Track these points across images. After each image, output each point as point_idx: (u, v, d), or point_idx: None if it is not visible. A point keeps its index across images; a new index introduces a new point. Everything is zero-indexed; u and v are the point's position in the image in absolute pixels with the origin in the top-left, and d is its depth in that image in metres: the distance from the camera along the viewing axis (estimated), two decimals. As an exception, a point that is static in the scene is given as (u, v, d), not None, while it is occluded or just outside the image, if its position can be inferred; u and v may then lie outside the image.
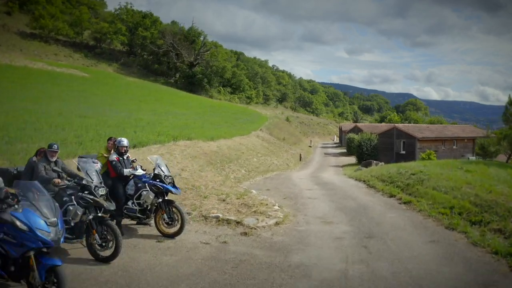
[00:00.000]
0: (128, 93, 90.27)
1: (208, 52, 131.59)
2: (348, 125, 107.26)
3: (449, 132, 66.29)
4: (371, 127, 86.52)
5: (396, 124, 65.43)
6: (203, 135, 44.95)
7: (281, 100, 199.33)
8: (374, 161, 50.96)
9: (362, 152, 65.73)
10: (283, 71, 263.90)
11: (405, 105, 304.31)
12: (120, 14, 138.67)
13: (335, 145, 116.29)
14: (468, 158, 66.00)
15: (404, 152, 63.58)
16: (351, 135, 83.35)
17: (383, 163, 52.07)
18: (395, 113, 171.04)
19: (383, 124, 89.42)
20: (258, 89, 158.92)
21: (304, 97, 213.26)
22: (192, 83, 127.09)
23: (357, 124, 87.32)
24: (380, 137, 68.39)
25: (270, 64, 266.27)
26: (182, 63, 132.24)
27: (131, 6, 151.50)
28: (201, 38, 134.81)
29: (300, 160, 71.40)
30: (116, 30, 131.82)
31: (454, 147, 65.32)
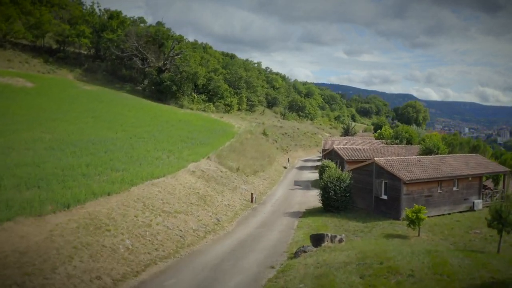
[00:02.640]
0: (71, 108, 75.65)
1: (179, 56, 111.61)
2: (330, 141, 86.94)
3: (449, 167, 46.08)
4: (351, 151, 66.13)
5: (376, 159, 45.14)
6: (120, 180, 37.01)
7: (272, 105, 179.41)
8: (329, 236, 31.13)
9: (329, 197, 45.73)
10: (277, 73, 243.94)
11: (404, 108, 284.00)
12: (84, 15, 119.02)
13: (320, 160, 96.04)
14: (473, 204, 45.99)
15: (385, 197, 43.67)
16: (325, 162, 63.26)
17: (343, 235, 32.51)
18: (386, 126, 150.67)
19: (366, 147, 68.92)
20: (242, 95, 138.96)
21: (296, 101, 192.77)
22: (160, 91, 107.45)
23: (336, 147, 66.38)
24: (355, 173, 48.38)
25: (264, 66, 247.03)
26: (151, 68, 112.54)
27: (98, 6, 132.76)
28: (173, 40, 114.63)
29: (252, 201, 51.69)
30: (78, 33, 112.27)
31: (455, 188, 45.20)
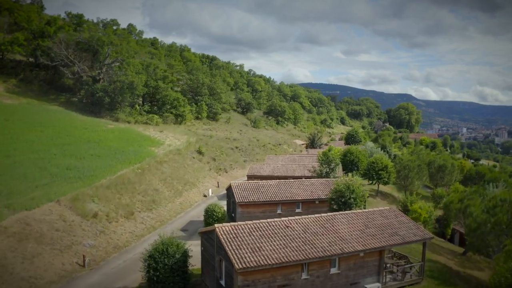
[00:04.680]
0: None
1: (116, 64, 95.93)
2: (259, 166, 70.46)
3: (329, 236, 29.80)
4: (250, 189, 49.14)
5: (217, 226, 28.86)
6: None
7: (246, 110, 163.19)
8: None
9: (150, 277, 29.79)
10: (260, 76, 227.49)
11: (397, 109, 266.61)
12: (20, 21, 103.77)
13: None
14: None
15: (224, 283, 27.82)
16: (212, 205, 46.92)
17: None
18: (362, 134, 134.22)
19: (274, 182, 52.30)
20: (201, 102, 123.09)
21: (275, 105, 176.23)
22: (94, 103, 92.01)
23: (233, 182, 49.77)
24: (204, 239, 32.34)
25: (247, 69, 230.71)
26: (88, 77, 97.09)
27: (40, 10, 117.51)
28: (108, 47, 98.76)
29: (85, 265, 36.20)
30: (12, 40, 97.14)
31: (334, 270, 29.12)
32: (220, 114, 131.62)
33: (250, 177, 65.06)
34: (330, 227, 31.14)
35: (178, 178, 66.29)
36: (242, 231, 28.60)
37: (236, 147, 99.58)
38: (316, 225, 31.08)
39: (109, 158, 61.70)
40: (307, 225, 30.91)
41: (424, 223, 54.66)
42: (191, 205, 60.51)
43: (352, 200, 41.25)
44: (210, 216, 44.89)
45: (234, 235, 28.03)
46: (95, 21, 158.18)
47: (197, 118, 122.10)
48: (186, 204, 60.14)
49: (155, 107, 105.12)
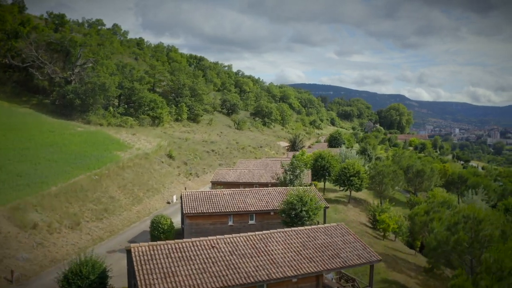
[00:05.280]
0: None
1: (89, 65, 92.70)
2: (224, 172, 67.28)
3: (259, 259, 26.86)
4: (201, 199, 45.95)
5: (133, 245, 25.81)
6: None
7: (231, 112, 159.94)
8: None
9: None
10: (249, 77, 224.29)
11: (387, 110, 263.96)
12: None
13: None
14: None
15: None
16: (157, 217, 43.75)
17: None
18: (347, 137, 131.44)
19: (228, 192, 49.12)
20: (181, 104, 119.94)
21: (262, 106, 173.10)
22: (65, 105, 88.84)
23: (184, 191, 46.18)
24: (128, 256, 29.24)
25: (239, 69, 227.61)
26: (60, 79, 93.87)
27: (21, 10, 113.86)
28: (80, 48, 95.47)
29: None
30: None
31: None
32: (201, 116, 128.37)
33: (214, 184, 62.00)
34: (263, 247, 28.07)
35: (140, 184, 63.16)
36: (159, 253, 25.56)
37: (213, 150, 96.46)
38: (247, 245, 27.99)
39: (67, 164, 58.60)
40: (237, 245, 27.83)
41: (395, 233, 51.59)
42: (150, 213, 57.29)
43: (304, 213, 38.14)
44: (156, 229, 41.78)
45: (149, 258, 25.02)
46: (80, 21, 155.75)
47: (177, 120, 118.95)
48: (145, 212, 56.97)
49: (132, 109, 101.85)
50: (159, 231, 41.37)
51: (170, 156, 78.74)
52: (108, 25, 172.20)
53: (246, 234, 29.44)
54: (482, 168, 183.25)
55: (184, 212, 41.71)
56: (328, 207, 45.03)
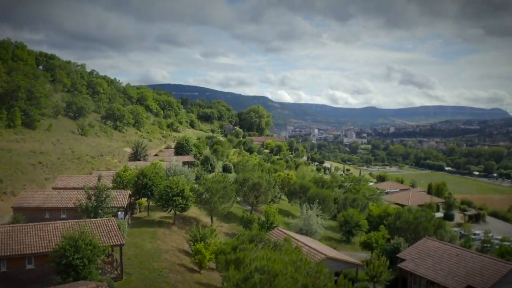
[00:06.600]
0: None
1: None
2: (30, 193, 59.03)
3: None
4: None
5: None
6: None
7: (78, 115, 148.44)
8: None
9: None
10: (104, 77, 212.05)
11: (247, 113, 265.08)
12: None
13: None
14: None
15: None
16: None
17: None
18: (199, 144, 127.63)
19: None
20: (15, 109, 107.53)
21: (114, 109, 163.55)
22: None
23: None
24: None
25: (89, 69, 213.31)
26: None
27: None
28: None
29: None
30: None
31: None
32: (38, 121, 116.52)
33: (16, 210, 53.58)
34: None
35: None
36: None
37: (40, 162, 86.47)
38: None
39: None
40: None
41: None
42: None
43: (78, 261, 32.14)
44: None
45: None
46: None
47: (9, 126, 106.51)
48: None
49: None
50: None
51: None
52: None
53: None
54: (337, 169, 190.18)
55: None
56: (123, 244, 39.30)
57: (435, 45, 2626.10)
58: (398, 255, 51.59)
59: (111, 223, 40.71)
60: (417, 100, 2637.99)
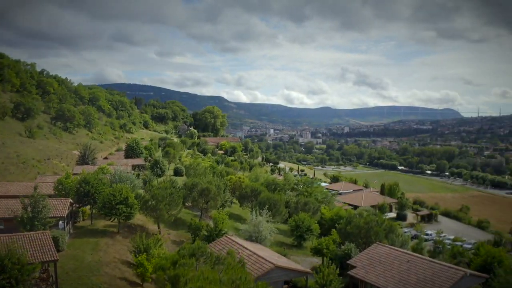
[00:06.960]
0: None
1: None
2: None
3: None
4: None
5: None
6: None
7: (26, 117, 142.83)
8: None
9: None
10: (55, 77, 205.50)
11: (202, 113, 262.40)
12: None
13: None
14: None
15: None
16: None
17: None
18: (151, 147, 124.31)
19: None
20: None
21: (64, 110, 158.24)
22: None
23: None
24: None
25: (41, 68, 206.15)
26: None
27: None
28: None
29: None
30: None
31: None
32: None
33: None
34: None
35: None
36: None
37: None
38: None
39: None
40: None
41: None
42: None
43: (4, 282, 29.59)
44: None
45: None
46: None
47: None
48: None
49: None
50: None
51: None
52: None
53: None
54: (291, 170, 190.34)
55: None
56: (56, 260, 36.83)
57: (388, 47, 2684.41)
58: (348, 262, 50.96)
59: (45, 236, 38.21)
60: (371, 100, 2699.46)
